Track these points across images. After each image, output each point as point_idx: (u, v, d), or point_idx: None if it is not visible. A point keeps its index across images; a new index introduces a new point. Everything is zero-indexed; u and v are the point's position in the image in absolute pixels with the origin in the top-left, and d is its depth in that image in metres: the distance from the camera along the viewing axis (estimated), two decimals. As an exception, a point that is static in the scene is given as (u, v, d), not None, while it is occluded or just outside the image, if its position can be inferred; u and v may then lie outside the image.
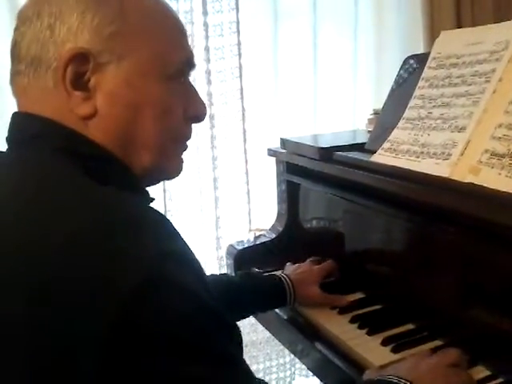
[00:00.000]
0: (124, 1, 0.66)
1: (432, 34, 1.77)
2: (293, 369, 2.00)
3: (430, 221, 0.97)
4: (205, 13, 1.59)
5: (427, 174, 0.95)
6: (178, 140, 0.74)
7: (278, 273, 1.18)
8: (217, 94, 1.66)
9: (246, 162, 1.74)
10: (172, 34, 0.71)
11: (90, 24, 0.64)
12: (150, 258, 0.54)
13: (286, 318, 1.18)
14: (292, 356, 1.94)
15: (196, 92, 0.75)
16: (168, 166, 0.74)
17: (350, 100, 1.89)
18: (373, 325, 1.05)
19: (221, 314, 0.61)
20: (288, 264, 1.26)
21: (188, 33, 0.76)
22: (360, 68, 1.89)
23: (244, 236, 1.67)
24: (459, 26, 1.79)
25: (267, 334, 1.31)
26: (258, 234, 1.50)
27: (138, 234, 0.55)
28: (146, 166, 0.70)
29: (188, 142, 0.76)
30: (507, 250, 0.84)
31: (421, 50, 1.79)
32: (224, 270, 1.61)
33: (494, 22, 1.81)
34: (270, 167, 1.48)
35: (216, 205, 1.75)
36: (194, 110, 0.74)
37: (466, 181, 0.89)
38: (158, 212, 0.61)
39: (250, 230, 1.77)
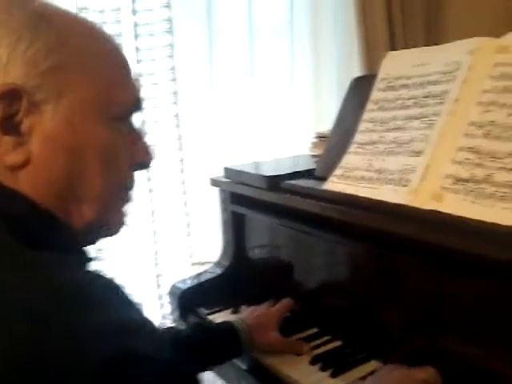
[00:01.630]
0: (63, 30, 0.58)
1: (367, 56, 1.76)
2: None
3: (393, 251, 0.91)
4: (138, 61, 1.50)
5: (386, 202, 0.90)
6: (123, 190, 0.65)
7: (234, 318, 1.08)
8: (150, 120, 1.55)
9: (185, 192, 1.64)
10: (118, 69, 0.63)
11: (24, 55, 0.54)
12: (106, 335, 0.47)
13: (244, 368, 1.07)
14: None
15: (141, 135, 0.67)
16: (112, 221, 0.64)
17: (289, 123, 1.85)
18: (335, 365, 0.98)
19: (187, 373, 0.56)
20: (243, 307, 1.17)
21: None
22: (298, 91, 1.85)
23: (186, 271, 1.57)
24: (393, 46, 1.80)
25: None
26: (201, 268, 1.40)
27: (88, 308, 0.48)
28: (88, 221, 0.60)
29: None
30: (475, 279, 0.80)
31: (357, 71, 1.77)
32: (165, 310, 1.49)
33: (425, 43, 1.84)
34: (211, 197, 1.39)
35: (154, 240, 1.63)
36: (141, 157, 0.65)
37: (428, 208, 0.84)
38: (104, 278, 0.53)
39: (193, 264, 1.67)
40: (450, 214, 0.81)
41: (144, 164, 0.66)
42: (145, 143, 0.66)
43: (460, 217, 0.80)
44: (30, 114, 0.55)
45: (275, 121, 1.81)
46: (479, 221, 0.77)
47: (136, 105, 0.65)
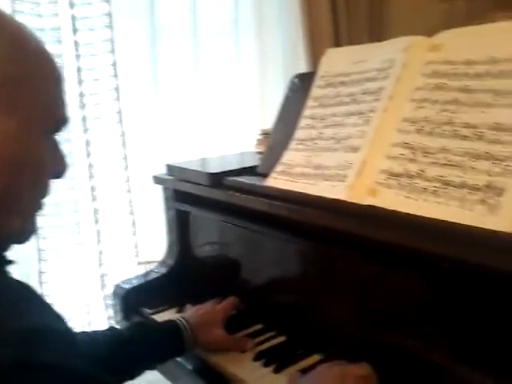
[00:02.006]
0: (14, 44, 0.59)
1: (312, 51, 1.78)
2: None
3: (330, 246, 0.92)
4: (78, 56, 1.46)
5: (324, 198, 0.91)
6: (42, 199, 0.66)
7: (176, 317, 1.06)
8: (92, 117, 1.51)
9: (130, 190, 1.61)
10: (57, 85, 0.64)
11: None
12: (14, 339, 0.46)
13: (189, 367, 1.06)
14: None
15: (60, 147, 0.68)
16: (29, 229, 0.65)
17: (235, 121, 1.84)
18: (278, 360, 0.98)
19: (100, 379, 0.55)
20: (188, 306, 1.16)
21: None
22: (243, 89, 1.84)
23: (132, 271, 1.54)
24: (337, 43, 1.82)
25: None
26: (147, 267, 1.38)
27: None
28: (14, 231, 0.61)
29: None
30: (408, 272, 0.82)
31: (303, 68, 1.78)
32: (111, 311, 1.46)
33: (370, 40, 1.87)
34: (156, 195, 1.37)
35: (98, 239, 1.59)
36: (59, 167, 0.67)
37: (364, 203, 0.86)
38: (18, 283, 0.53)
39: (139, 263, 1.64)
40: (384, 209, 0.82)
41: (61, 173, 0.68)
42: (62, 153, 0.68)
43: (394, 211, 0.81)
44: None
45: (221, 118, 1.80)
46: (413, 215, 0.79)
47: (66, 119, 0.67)
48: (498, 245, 0.68)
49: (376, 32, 1.92)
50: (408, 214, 0.79)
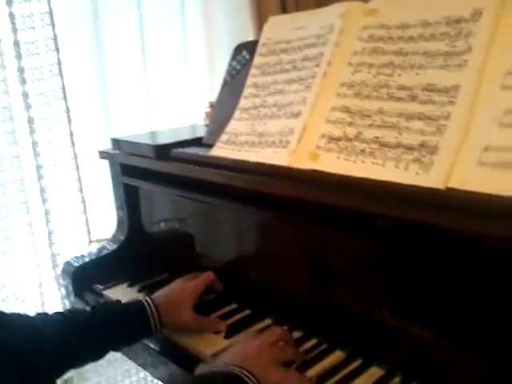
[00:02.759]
0: None
1: (260, 20, 1.77)
2: (155, 380, 1.89)
3: (274, 212, 0.94)
4: (9, 3, 1.39)
5: (267, 164, 0.92)
6: None
7: (142, 297, 1.01)
8: (33, 94, 1.46)
9: (78, 167, 1.57)
10: None
11: None
12: None
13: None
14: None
15: None
16: None
17: (184, 95, 1.82)
18: (230, 326, 1.00)
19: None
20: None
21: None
22: (191, 61, 1.82)
23: (84, 250, 1.52)
24: (285, 11, 1.81)
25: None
26: (99, 246, 1.36)
27: None
28: None
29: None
30: (352, 233, 0.84)
31: (250, 37, 1.77)
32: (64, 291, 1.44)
33: (316, 6, 1.87)
34: (106, 171, 1.35)
35: (47, 219, 1.56)
36: None
37: (306, 167, 0.87)
38: None
39: (91, 242, 1.62)
40: (325, 172, 0.84)
41: None
42: None
43: (334, 174, 0.83)
44: None
45: (169, 92, 1.78)
46: (352, 177, 0.80)
47: None
48: (433, 202, 0.70)
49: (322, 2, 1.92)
50: (347, 176, 0.81)
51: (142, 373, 1.88)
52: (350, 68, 0.90)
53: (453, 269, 0.73)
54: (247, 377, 0.76)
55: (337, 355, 0.89)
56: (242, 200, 0.98)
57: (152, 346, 1.01)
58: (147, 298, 0.99)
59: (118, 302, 1.03)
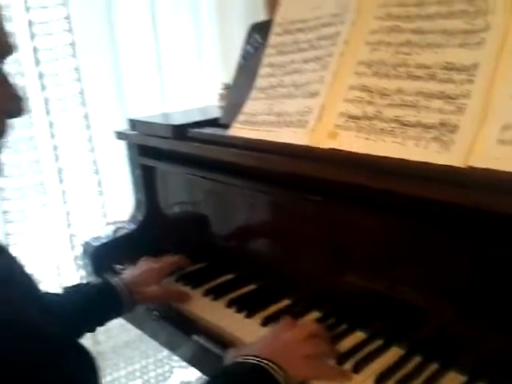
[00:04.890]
0: None
1: (272, 1, 1.75)
2: (171, 362, 1.92)
3: (295, 191, 0.95)
4: (28, 9, 1.40)
5: (287, 144, 0.93)
6: None
7: (113, 279, 1.08)
8: (49, 74, 1.47)
9: (93, 149, 1.59)
10: None
11: None
12: None
13: (158, 314, 1.09)
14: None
15: (10, 83, 0.65)
16: None
17: (196, 76, 1.82)
18: (250, 306, 1.02)
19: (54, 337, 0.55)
20: (142, 259, 1.18)
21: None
22: (203, 42, 1.82)
23: (100, 231, 1.54)
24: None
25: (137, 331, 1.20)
26: (116, 226, 1.38)
27: None
28: None
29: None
30: (373, 212, 0.85)
31: (262, 16, 1.76)
32: (83, 272, 1.47)
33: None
34: (121, 153, 1.36)
35: (64, 200, 1.58)
36: (9, 103, 0.64)
37: (325, 147, 0.88)
38: None
39: (108, 224, 1.63)
40: (345, 151, 0.85)
41: (14, 111, 0.64)
42: (12, 88, 0.65)
43: (354, 153, 0.84)
44: None
45: (182, 73, 1.78)
46: (372, 155, 0.81)
47: (7, 47, 0.63)
48: (453, 180, 0.71)
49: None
50: (367, 154, 0.82)
51: (160, 354, 1.91)
52: (368, 47, 0.90)
53: (474, 247, 0.74)
54: (274, 370, 0.75)
55: (357, 335, 0.90)
56: (260, 180, 0.99)
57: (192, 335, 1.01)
58: (115, 278, 1.08)
59: (87, 283, 1.11)
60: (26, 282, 0.62)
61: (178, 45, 1.75)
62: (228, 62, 1.78)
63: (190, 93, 1.78)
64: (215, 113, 1.27)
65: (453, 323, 0.79)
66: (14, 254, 0.64)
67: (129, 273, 1.12)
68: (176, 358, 1.82)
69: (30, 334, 0.50)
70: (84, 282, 1.28)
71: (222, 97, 1.44)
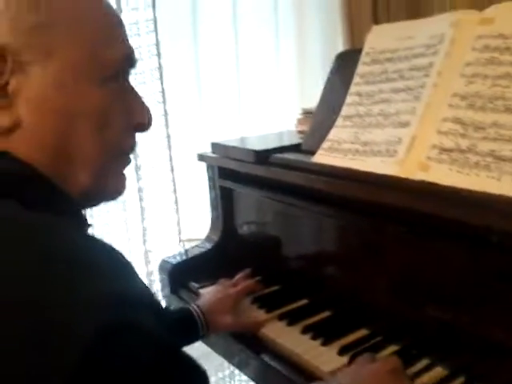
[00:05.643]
0: None
1: (351, 31, 1.77)
2: (232, 382, 1.93)
3: (382, 221, 0.93)
4: (119, 10, 1.47)
5: (375, 173, 0.92)
6: (121, 154, 0.63)
7: (192, 305, 1.08)
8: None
9: (172, 169, 1.64)
10: (108, 26, 0.60)
11: (7, 12, 0.53)
12: (104, 303, 0.44)
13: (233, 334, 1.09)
14: (231, 369, 1.86)
15: (138, 95, 0.64)
16: (110, 186, 0.63)
17: (274, 101, 1.85)
18: (326, 334, 1.00)
19: (179, 352, 0.53)
20: (222, 281, 1.18)
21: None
22: (283, 68, 1.85)
23: (174, 248, 1.58)
24: (376, 22, 1.80)
25: (203, 348, 1.20)
26: (188, 244, 1.41)
27: (87, 274, 0.46)
28: (84, 186, 0.59)
29: None
30: (462, 246, 0.82)
31: (341, 46, 1.78)
32: (155, 287, 1.51)
33: (407, 18, 1.84)
34: (199, 174, 1.40)
35: (142, 217, 1.64)
36: (138, 117, 0.63)
37: (415, 178, 0.87)
38: (104, 244, 0.52)
39: (181, 241, 1.68)
40: (437, 184, 0.83)
41: (144, 124, 0.63)
42: (141, 103, 0.63)
43: (447, 186, 0.82)
44: (16, 75, 0.53)
45: (261, 98, 1.81)
46: (466, 189, 0.79)
47: (128, 61, 0.62)
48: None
49: (414, 8, 1.89)
50: (461, 188, 0.80)
51: (221, 373, 1.92)
52: (463, 79, 0.88)
53: None
54: None
55: (437, 371, 0.88)
56: (344, 208, 0.99)
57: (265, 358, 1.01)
58: (193, 305, 1.07)
59: (167, 309, 1.11)
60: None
61: (258, 69, 1.80)
62: (304, 87, 1.80)
63: (268, 117, 1.81)
64: (293, 138, 1.28)
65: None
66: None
67: (206, 298, 1.11)
68: (238, 377, 1.81)
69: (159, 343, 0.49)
70: (164, 306, 1.29)
71: (301, 122, 1.45)
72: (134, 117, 0.62)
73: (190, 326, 1.03)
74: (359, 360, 0.87)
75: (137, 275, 0.52)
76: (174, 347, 0.52)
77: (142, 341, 0.46)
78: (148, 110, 0.64)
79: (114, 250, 0.52)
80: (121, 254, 0.52)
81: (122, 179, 0.64)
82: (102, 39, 0.58)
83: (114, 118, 0.60)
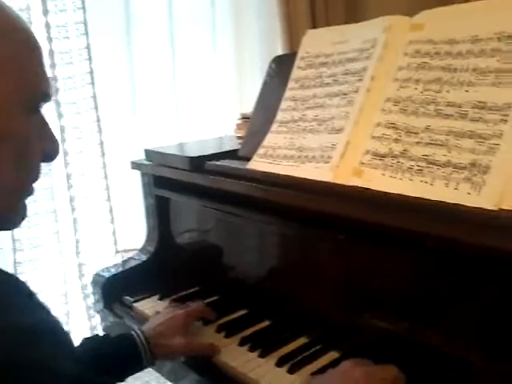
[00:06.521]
0: None
1: (290, 34, 1.76)
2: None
3: (315, 228, 0.92)
4: (45, 12, 1.40)
5: (309, 179, 0.90)
6: (31, 183, 0.63)
7: (136, 330, 0.99)
8: (66, 102, 1.47)
9: (106, 176, 1.57)
10: (35, 58, 0.61)
11: None
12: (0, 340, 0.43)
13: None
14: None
15: (49, 126, 0.65)
16: (15, 214, 0.63)
17: (213, 105, 1.81)
18: (264, 345, 0.98)
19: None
20: (152, 315, 1.11)
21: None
22: (221, 73, 1.82)
23: (110, 260, 1.51)
24: (314, 25, 1.80)
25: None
26: (126, 255, 1.35)
27: None
28: None
29: None
30: (394, 252, 0.82)
31: (280, 51, 1.77)
32: (90, 301, 1.44)
33: (346, 21, 1.86)
34: (134, 181, 1.34)
35: (75, 228, 1.56)
36: (50, 148, 0.63)
37: (349, 184, 0.85)
38: (5, 274, 0.51)
39: (117, 252, 1.61)
40: (370, 189, 0.82)
41: (52, 156, 0.64)
42: (53, 133, 0.64)
43: (380, 191, 0.81)
44: None
45: (198, 103, 1.78)
46: (399, 194, 0.78)
47: (48, 94, 0.63)
48: (484, 223, 0.68)
49: (352, 14, 1.91)
50: (394, 193, 0.79)
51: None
52: (396, 83, 0.88)
53: (506, 293, 0.71)
54: None
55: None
56: (280, 215, 0.96)
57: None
58: (137, 330, 0.98)
59: (107, 336, 1.03)
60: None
61: (195, 74, 1.76)
62: (243, 92, 1.78)
63: (206, 122, 1.78)
64: (232, 144, 1.26)
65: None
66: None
67: (154, 320, 1.02)
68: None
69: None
70: (100, 334, 1.17)
71: (240, 127, 1.43)
72: (47, 147, 0.63)
73: (130, 357, 0.94)
74: (352, 363, 0.81)
75: (39, 306, 0.53)
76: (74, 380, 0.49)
77: (42, 374, 0.45)
78: (58, 144, 0.65)
79: (9, 277, 0.51)
80: (17, 280, 0.51)
81: (24, 208, 0.64)
82: (32, 71, 0.60)
83: (34, 145, 0.61)
